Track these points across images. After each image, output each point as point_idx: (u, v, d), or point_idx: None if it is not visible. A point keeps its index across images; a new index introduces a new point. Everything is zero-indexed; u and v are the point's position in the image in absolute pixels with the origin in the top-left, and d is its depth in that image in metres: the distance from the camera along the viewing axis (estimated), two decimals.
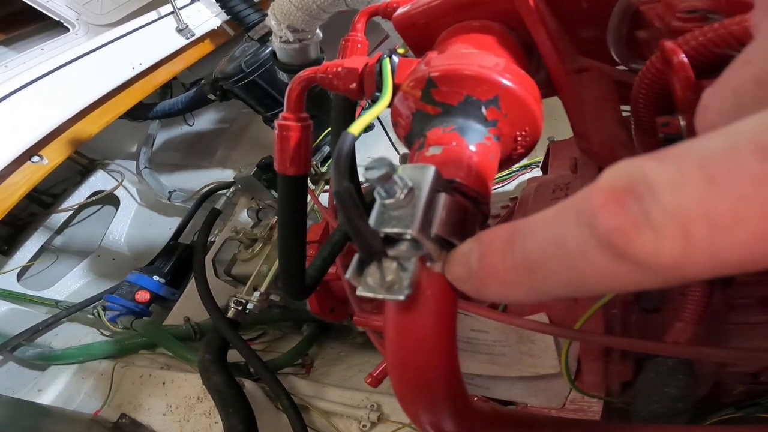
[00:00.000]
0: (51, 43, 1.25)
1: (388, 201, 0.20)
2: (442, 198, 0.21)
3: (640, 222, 0.11)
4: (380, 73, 0.31)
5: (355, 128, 0.22)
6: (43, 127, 0.99)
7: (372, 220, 0.20)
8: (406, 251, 0.20)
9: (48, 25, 1.37)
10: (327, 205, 0.69)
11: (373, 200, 0.21)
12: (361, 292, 0.20)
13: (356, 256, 0.20)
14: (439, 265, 0.21)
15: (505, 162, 0.29)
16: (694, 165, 0.10)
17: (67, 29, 1.31)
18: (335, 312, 0.80)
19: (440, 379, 0.23)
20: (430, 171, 0.21)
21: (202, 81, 1.42)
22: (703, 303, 0.40)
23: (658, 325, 0.45)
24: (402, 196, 0.20)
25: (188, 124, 1.91)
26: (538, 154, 0.96)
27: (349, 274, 0.20)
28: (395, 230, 0.20)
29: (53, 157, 1.04)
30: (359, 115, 0.25)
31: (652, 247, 0.11)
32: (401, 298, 0.19)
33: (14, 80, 0.97)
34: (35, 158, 1.00)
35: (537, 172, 1.04)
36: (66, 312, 1.40)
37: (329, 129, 0.94)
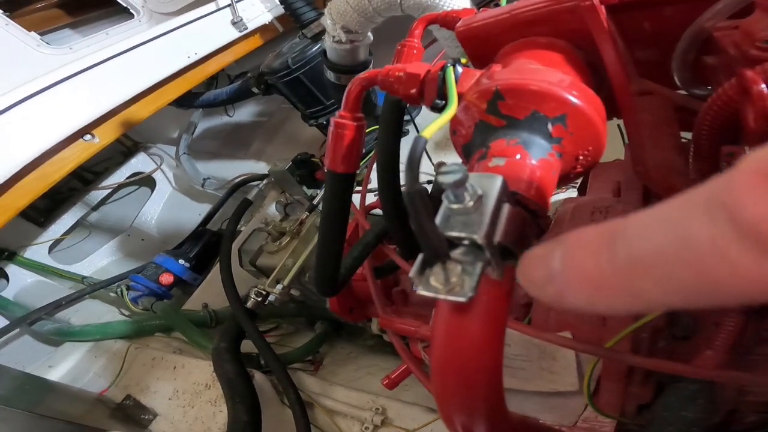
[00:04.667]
0: (116, 29, 1.30)
1: (455, 206, 0.21)
2: (506, 208, 0.22)
3: None
4: (443, 81, 0.32)
5: (427, 132, 0.22)
6: (99, 108, 1.03)
7: (437, 222, 0.21)
8: (468, 256, 0.21)
9: (114, 11, 1.44)
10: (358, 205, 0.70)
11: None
12: (422, 291, 0.20)
13: (420, 257, 0.21)
14: (497, 272, 0.21)
15: (563, 180, 0.29)
16: None
17: (132, 15, 1.38)
18: (354, 313, 0.80)
19: (482, 382, 0.23)
20: (499, 181, 0.21)
21: (248, 74, 1.47)
22: (736, 333, 0.39)
23: (685, 353, 0.44)
24: (471, 203, 0.20)
25: (228, 115, 1.97)
26: None
27: (412, 273, 0.20)
28: (461, 234, 0.20)
29: (104, 136, 1.08)
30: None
31: None
32: (463, 300, 0.20)
33: (78, 62, 1.02)
34: (87, 137, 1.05)
35: (572, 193, 1.02)
36: (90, 288, 1.43)
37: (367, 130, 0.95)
